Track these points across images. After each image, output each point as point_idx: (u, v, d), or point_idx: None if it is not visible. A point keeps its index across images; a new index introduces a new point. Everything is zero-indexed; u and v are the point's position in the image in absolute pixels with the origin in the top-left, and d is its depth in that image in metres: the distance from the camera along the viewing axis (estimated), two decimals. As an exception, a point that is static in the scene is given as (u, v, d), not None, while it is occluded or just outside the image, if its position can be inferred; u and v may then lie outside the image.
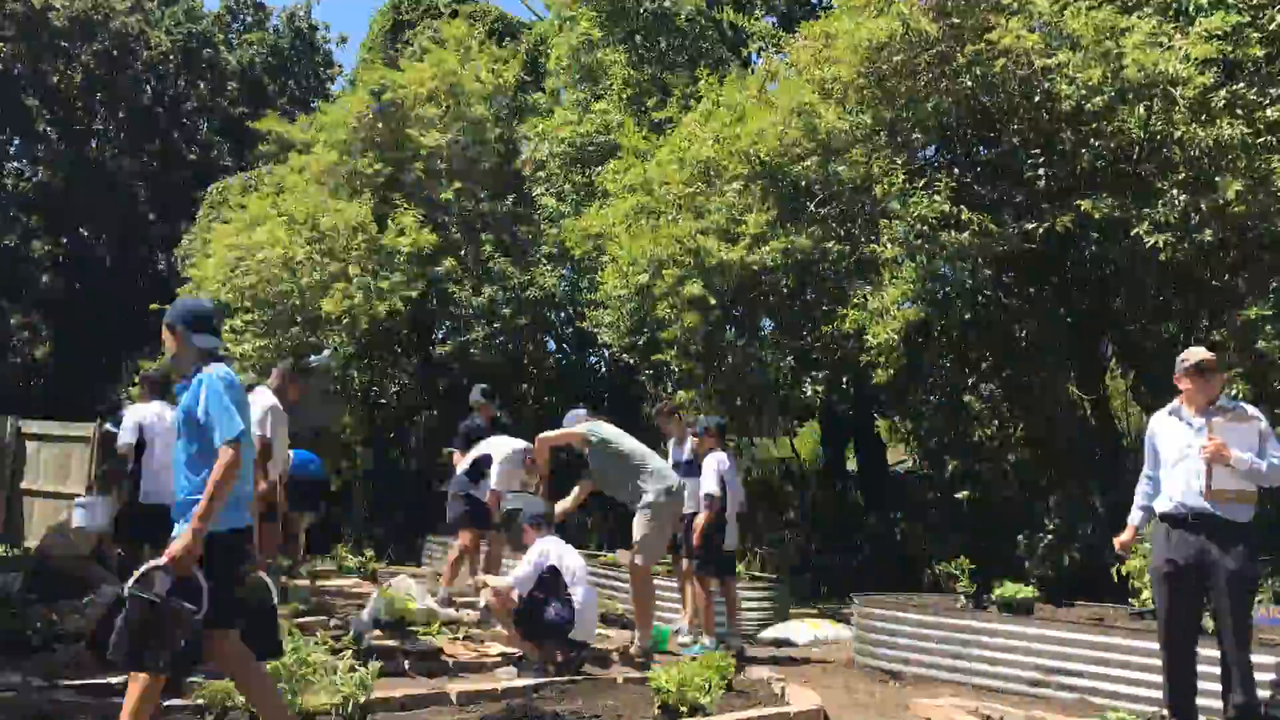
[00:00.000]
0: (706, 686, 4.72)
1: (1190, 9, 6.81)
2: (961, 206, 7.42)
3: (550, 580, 5.99)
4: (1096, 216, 6.91)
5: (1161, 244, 6.50)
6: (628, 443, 6.71)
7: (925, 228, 7.45)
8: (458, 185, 13.58)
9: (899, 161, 7.87)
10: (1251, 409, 4.57)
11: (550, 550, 6.07)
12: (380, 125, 13.88)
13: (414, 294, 12.51)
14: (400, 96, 13.91)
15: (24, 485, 11.35)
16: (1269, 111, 6.47)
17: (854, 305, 7.97)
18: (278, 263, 12.41)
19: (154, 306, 15.23)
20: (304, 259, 12.40)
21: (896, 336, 7.48)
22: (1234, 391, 6.94)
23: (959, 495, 8.58)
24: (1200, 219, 6.53)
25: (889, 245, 7.68)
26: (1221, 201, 6.36)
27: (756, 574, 9.36)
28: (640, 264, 9.31)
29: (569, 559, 6.11)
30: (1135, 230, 6.66)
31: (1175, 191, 6.63)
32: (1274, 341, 6.44)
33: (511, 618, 5.98)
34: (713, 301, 9.01)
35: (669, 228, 9.29)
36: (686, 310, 9.03)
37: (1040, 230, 7.31)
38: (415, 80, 13.99)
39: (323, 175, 13.79)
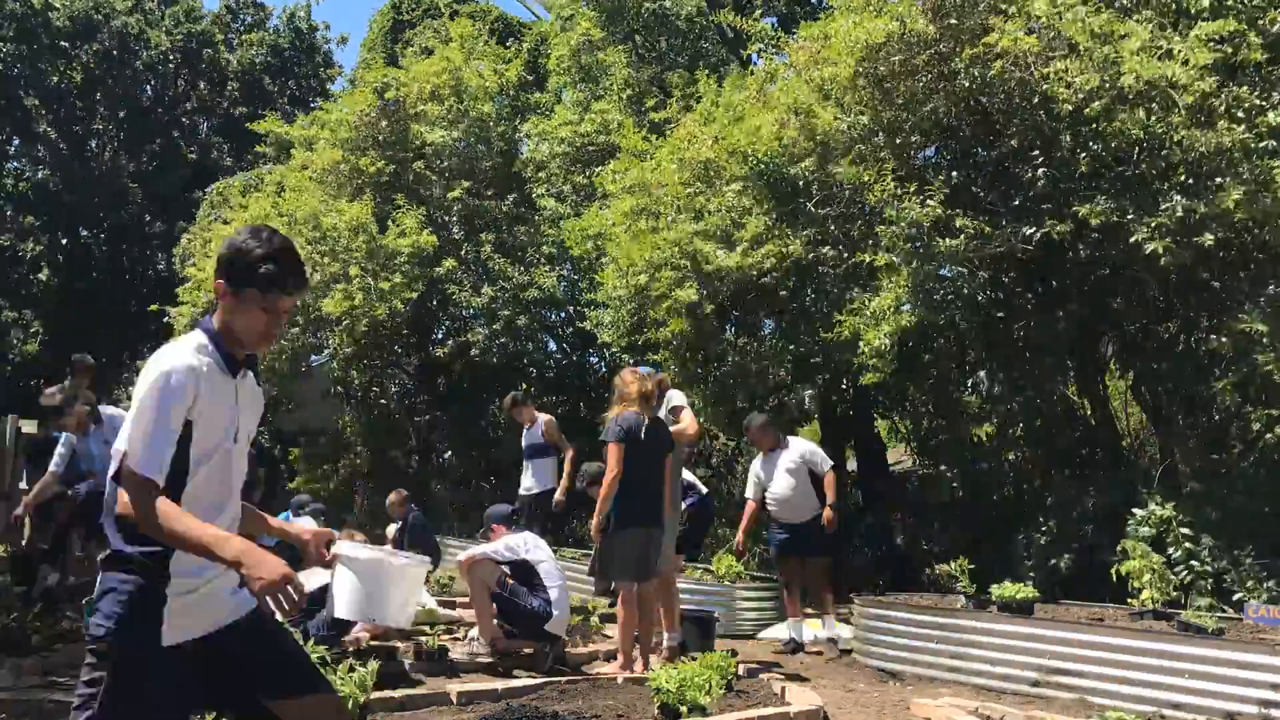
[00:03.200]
0: (706, 686, 4.72)
1: (1191, 10, 6.78)
2: (957, 210, 7.42)
3: (524, 573, 6.16)
4: (1094, 222, 6.89)
5: (1161, 250, 6.49)
6: None
7: (919, 232, 7.44)
8: (464, 184, 13.59)
9: (889, 167, 7.87)
10: None
11: (524, 543, 6.28)
12: (384, 123, 13.88)
13: (414, 295, 12.52)
14: (404, 94, 13.92)
15: (23, 485, 11.33)
16: (1270, 116, 6.45)
17: (851, 312, 7.96)
18: (278, 262, 12.39)
19: (154, 307, 15.29)
20: (305, 259, 12.39)
21: (889, 341, 7.48)
22: (1227, 402, 6.93)
23: (959, 496, 8.58)
24: (1200, 222, 6.51)
25: (883, 253, 7.67)
26: (1222, 207, 6.34)
27: (756, 574, 9.36)
28: (639, 265, 9.32)
29: (543, 554, 6.30)
30: (1135, 237, 6.65)
31: (1177, 197, 6.59)
32: (1269, 354, 6.43)
33: (487, 592, 6.11)
34: (709, 308, 9.02)
35: (667, 230, 9.29)
36: (676, 316, 9.04)
37: (1038, 235, 7.31)
38: (420, 78, 13.99)
39: (325, 174, 13.79)
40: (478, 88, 14.13)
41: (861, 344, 7.60)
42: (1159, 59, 6.40)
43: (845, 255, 8.57)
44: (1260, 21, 6.65)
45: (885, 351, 7.48)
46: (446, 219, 13.98)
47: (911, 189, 7.53)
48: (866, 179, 7.84)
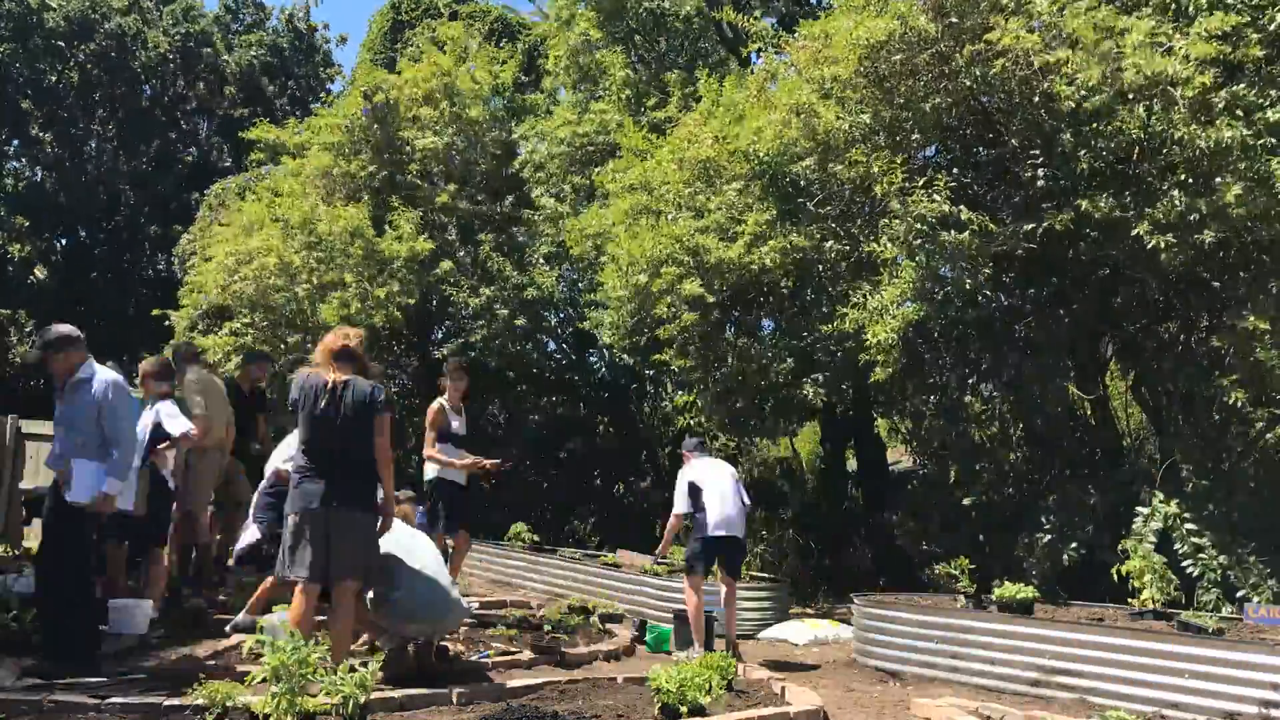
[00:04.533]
0: (707, 686, 4.72)
1: (1190, 9, 6.79)
2: (961, 206, 7.42)
3: None
4: (1096, 215, 6.91)
5: (1162, 245, 6.50)
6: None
7: (924, 227, 7.44)
8: (453, 187, 13.56)
9: (898, 161, 7.87)
10: None
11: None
12: (375, 127, 13.86)
13: (411, 301, 12.50)
14: (395, 98, 13.88)
15: (23, 485, 11.32)
16: (1269, 113, 6.46)
17: (853, 305, 7.96)
18: (274, 269, 12.37)
19: (156, 312, 15.24)
20: (300, 265, 12.36)
21: (895, 335, 7.48)
22: (1232, 399, 6.94)
23: (959, 496, 8.57)
24: (1200, 220, 6.53)
25: (888, 245, 7.67)
26: (1222, 203, 6.35)
27: (756, 574, 9.35)
28: (640, 263, 9.31)
29: None
30: (1135, 230, 6.66)
31: (1177, 193, 6.61)
32: (1272, 350, 6.44)
33: None
34: (711, 300, 8.99)
35: (668, 227, 9.28)
36: (684, 310, 9.02)
37: (1039, 231, 7.31)
38: (411, 82, 13.96)
39: (317, 179, 13.76)
40: (469, 91, 14.08)
41: (868, 337, 7.60)
42: (1161, 54, 6.40)
43: (848, 250, 8.57)
44: (1259, 20, 6.65)
45: (892, 346, 7.48)
46: (444, 220, 13.97)
47: (920, 183, 7.54)
48: (875, 170, 7.83)
